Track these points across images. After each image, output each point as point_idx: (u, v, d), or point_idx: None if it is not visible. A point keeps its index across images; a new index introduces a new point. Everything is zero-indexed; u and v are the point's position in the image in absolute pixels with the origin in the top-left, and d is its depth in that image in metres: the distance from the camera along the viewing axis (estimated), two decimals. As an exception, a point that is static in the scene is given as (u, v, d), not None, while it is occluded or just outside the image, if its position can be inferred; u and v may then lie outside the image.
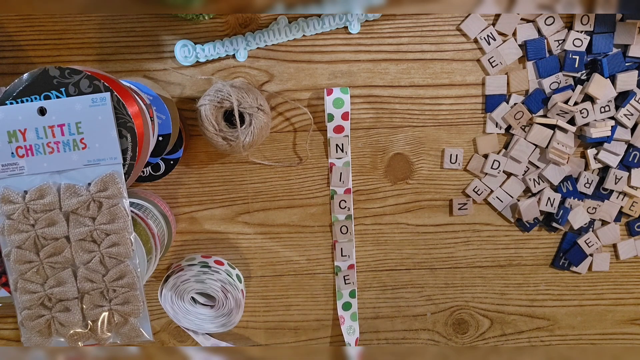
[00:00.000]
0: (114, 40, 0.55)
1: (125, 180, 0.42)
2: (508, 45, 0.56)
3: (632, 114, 0.56)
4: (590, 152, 0.58)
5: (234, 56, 0.56)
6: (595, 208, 0.59)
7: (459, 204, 0.60)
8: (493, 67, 0.56)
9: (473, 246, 0.61)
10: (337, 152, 0.58)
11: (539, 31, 0.56)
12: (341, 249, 0.60)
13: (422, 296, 0.63)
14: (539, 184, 0.59)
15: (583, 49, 0.55)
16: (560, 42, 0.55)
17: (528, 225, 0.60)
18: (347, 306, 0.62)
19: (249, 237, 0.61)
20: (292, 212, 0.60)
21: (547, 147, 0.57)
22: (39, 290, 0.43)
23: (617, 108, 0.56)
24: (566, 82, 0.56)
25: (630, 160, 0.57)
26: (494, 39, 0.56)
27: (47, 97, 0.40)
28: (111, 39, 0.55)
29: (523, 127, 0.57)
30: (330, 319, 0.63)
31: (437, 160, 0.59)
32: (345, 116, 0.55)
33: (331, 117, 0.55)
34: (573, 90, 0.55)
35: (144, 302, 0.44)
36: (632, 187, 0.58)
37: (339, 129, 0.56)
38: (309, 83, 0.57)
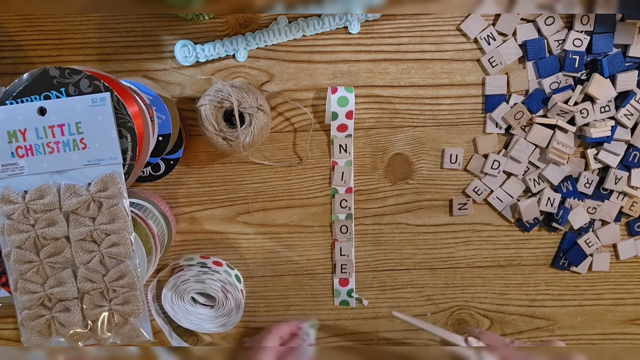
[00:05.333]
0: (114, 40, 0.55)
1: (125, 180, 0.42)
2: (508, 45, 0.56)
3: (632, 114, 0.56)
4: (590, 152, 0.58)
5: (234, 56, 0.56)
6: (595, 208, 0.59)
7: (459, 204, 0.60)
8: (493, 67, 0.56)
9: (473, 246, 0.61)
10: (340, 151, 0.58)
11: (539, 31, 0.55)
12: (340, 248, 0.60)
13: (422, 296, 0.62)
14: (539, 184, 0.59)
15: (583, 49, 0.55)
16: (560, 42, 0.55)
17: (528, 225, 0.60)
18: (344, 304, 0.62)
19: (249, 237, 0.61)
20: (292, 212, 0.60)
21: (547, 147, 0.57)
22: (39, 290, 0.43)
23: (617, 108, 0.56)
24: (566, 82, 0.56)
25: (630, 160, 0.57)
26: (494, 39, 0.56)
27: (47, 97, 0.40)
28: (111, 39, 0.55)
29: (523, 127, 0.57)
30: (330, 319, 0.63)
31: (437, 160, 0.59)
32: (349, 115, 0.55)
33: (335, 116, 0.55)
34: (573, 90, 0.55)
35: (144, 302, 0.44)
36: (632, 187, 0.58)
37: (342, 128, 0.56)
38: (309, 83, 0.57)
